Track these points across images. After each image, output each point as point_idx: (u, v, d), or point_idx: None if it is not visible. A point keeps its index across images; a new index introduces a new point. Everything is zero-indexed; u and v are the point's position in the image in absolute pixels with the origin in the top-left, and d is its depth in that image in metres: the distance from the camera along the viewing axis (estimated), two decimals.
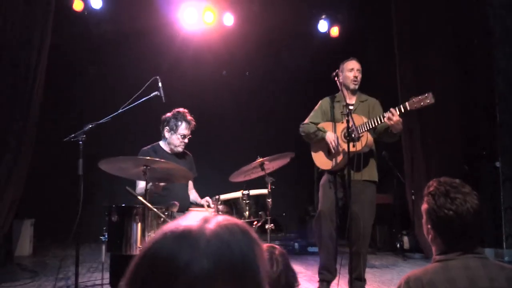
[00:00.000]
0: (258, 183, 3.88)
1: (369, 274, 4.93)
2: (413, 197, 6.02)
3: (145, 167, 3.10)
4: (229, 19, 7.41)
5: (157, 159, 3.16)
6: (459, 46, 6.12)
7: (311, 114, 4.26)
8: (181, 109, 3.88)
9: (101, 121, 3.45)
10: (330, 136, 3.93)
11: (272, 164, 3.82)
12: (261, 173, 3.77)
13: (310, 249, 6.39)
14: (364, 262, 4.06)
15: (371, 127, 3.79)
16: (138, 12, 6.93)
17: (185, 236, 0.70)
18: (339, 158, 3.95)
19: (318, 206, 4.11)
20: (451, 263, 1.74)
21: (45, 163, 6.31)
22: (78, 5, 6.70)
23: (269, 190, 3.52)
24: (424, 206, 1.84)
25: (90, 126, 3.38)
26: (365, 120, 3.83)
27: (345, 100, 3.80)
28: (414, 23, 6.28)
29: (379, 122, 3.74)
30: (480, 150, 5.95)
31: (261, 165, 3.67)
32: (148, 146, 3.98)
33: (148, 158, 3.13)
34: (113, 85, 6.92)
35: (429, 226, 1.82)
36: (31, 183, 5.44)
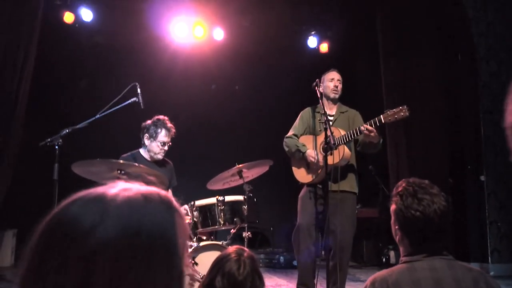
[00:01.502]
0: (239, 193, 3.86)
1: (352, 287, 4.89)
2: None
3: (119, 171, 3.09)
4: (219, 34, 7.48)
5: (131, 163, 3.15)
6: (444, 61, 6.18)
7: (293, 125, 4.31)
8: (161, 116, 3.88)
9: (78, 126, 3.44)
10: (309, 153, 3.98)
11: (251, 172, 3.81)
12: (241, 182, 3.76)
13: (295, 263, 6.31)
14: (344, 274, 4.02)
15: (348, 139, 3.81)
16: (129, 25, 6.98)
17: (95, 201, 0.67)
18: (319, 171, 3.96)
19: (297, 220, 4.08)
20: (417, 264, 1.72)
21: (26, 171, 6.25)
22: (69, 17, 6.77)
23: (245, 197, 3.50)
24: (392, 207, 1.83)
25: (67, 130, 3.38)
26: (343, 133, 3.86)
27: (324, 109, 3.82)
28: (400, 39, 6.36)
29: (357, 135, 3.78)
30: (465, 164, 5.95)
31: (239, 172, 3.66)
32: (128, 154, 3.96)
33: (122, 162, 3.12)
34: (101, 97, 6.92)
35: (396, 227, 1.81)
36: (13, 192, 5.38)
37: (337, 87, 4.17)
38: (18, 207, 6.16)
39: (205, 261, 3.07)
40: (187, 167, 5.76)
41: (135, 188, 0.70)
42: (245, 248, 1.95)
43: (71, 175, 3.42)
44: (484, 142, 5.76)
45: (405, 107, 3.59)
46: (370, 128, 3.68)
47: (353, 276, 5.64)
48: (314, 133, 4.13)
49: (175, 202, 0.73)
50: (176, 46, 7.36)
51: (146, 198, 0.69)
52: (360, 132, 3.73)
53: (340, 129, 3.90)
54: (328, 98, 4.16)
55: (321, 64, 7.50)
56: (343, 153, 3.82)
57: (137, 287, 0.62)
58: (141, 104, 3.55)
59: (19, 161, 5.39)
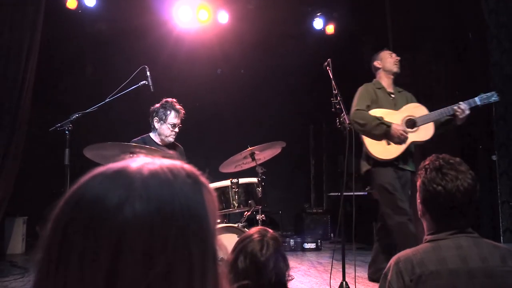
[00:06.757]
0: (252, 176, 3.82)
1: None
2: None
3: (132, 155, 3.04)
4: (223, 17, 7.37)
5: (144, 145, 3.11)
6: (454, 40, 6.08)
7: (358, 101, 4.00)
8: (169, 99, 3.84)
9: (88, 110, 3.40)
10: (397, 128, 3.77)
11: (263, 154, 3.78)
12: (253, 164, 3.73)
13: (306, 245, 6.33)
14: None
15: (438, 117, 3.83)
16: (132, 9, 6.88)
17: (118, 176, 0.61)
18: (402, 147, 3.83)
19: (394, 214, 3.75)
20: (442, 243, 1.68)
21: (36, 157, 6.23)
22: (71, 3, 6.68)
23: (259, 179, 3.47)
24: (418, 180, 1.80)
25: (77, 115, 3.33)
26: (426, 111, 3.86)
27: (387, 88, 3.96)
28: (409, 19, 6.25)
29: (449, 114, 3.79)
30: (477, 143, 5.88)
31: (252, 154, 3.62)
32: (138, 138, 3.93)
33: (135, 144, 3.08)
34: (105, 83, 6.86)
35: (419, 200, 1.78)
36: (24, 179, 5.37)
37: (398, 60, 4.15)
38: (28, 194, 6.16)
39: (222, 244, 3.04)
40: (195, 151, 5.71)
41: (158, 161, 0.65)
42: (269, 229, 1.91)
43: (81, 160, 3.39)
44: (495, 121, 5.68)
45: (494, 92, 3.68)
46: (465, 107, 3.70)
47: None
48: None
49: (201, 176, 0.67)
50: (180, 30, 7.27)
51: (172, 172, 0.63)
52: (453, 113, 3.72)
53: (423, 106, 3.91)
54: (390, 72, 4.10)
55: (327, 45, 7.42)
56: (433, 131, 3.87)
57: (172, 269, 0.57)
58: (151, 87, 3.50)
59: (28, 148, 5.36)
